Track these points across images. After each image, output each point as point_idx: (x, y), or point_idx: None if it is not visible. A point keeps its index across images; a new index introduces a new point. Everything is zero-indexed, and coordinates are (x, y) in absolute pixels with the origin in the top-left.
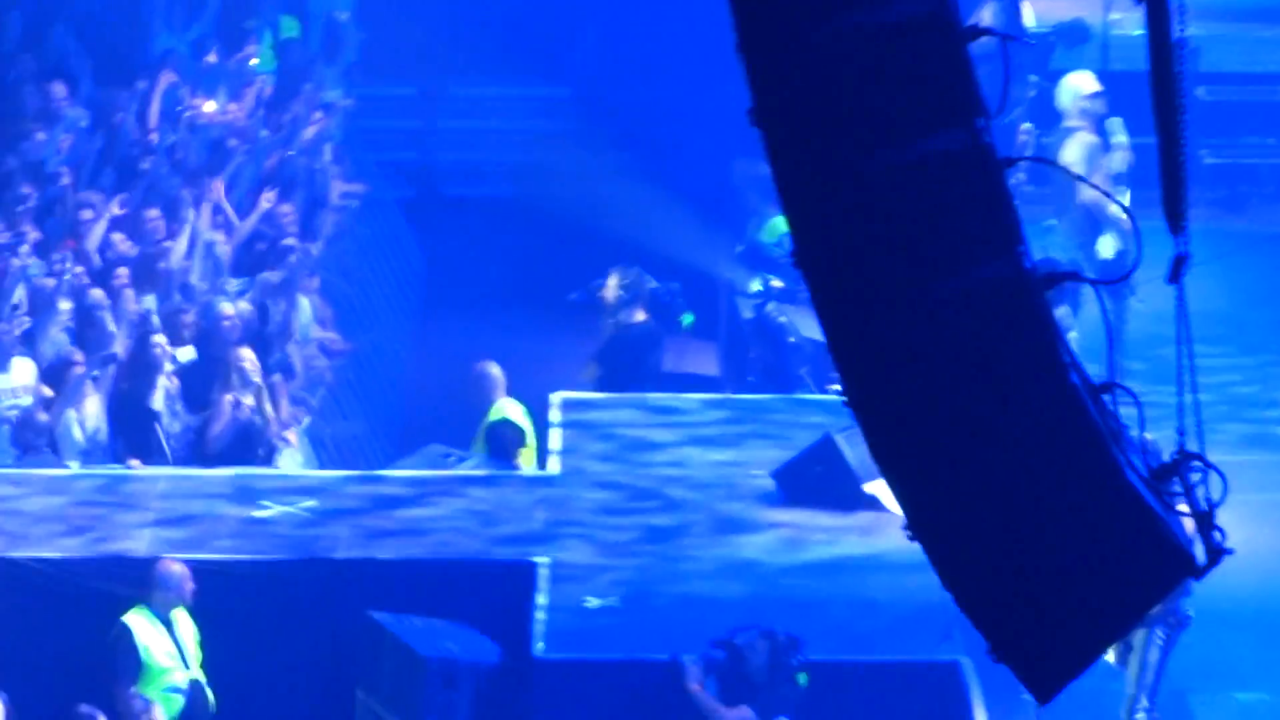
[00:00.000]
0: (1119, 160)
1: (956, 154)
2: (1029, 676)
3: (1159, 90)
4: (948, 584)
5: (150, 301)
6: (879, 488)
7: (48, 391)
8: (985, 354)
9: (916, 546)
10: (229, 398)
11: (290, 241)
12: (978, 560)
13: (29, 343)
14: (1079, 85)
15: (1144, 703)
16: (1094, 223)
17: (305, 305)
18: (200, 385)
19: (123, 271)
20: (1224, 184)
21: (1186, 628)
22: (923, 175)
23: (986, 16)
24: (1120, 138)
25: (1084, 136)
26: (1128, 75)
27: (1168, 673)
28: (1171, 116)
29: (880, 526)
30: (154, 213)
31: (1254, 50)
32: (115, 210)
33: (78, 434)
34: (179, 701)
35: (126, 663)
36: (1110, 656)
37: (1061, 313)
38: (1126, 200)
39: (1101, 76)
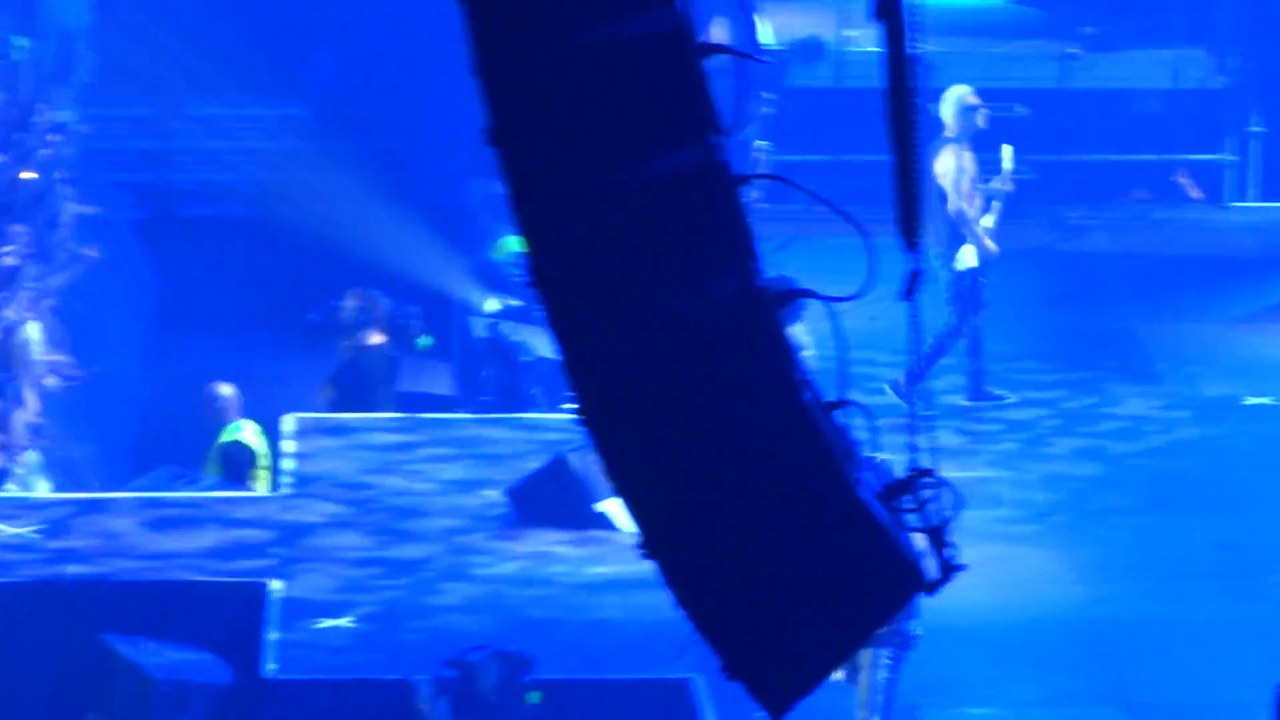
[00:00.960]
0: (999, 181)
1: (692, 171)
2: (761, 694)
3: (894, 107)
4: (680, 601)
5: None
6: (612, 506)
7: None
8: (718, 371)
9: (649, 564)
10: None
11: (18, 263)
12: (710, 578)
13: None
14: (958, 97)
15: None
16: (956, 234)
17: (37, 328)
18: None
19: None
20: None
21: (913, 648)
22: (658, 192)
23: (719, 33)
24: (1007, 164)
25: (956, 149)
26: (863, 92)
27: (898, 691)
28: (906, 133)
29: (613, 545)
30: None
31: (988, 66)
32: None
33: None
34: None
35: None
36: (840, 674)
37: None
38: (990, 221)
39: (836, 94)
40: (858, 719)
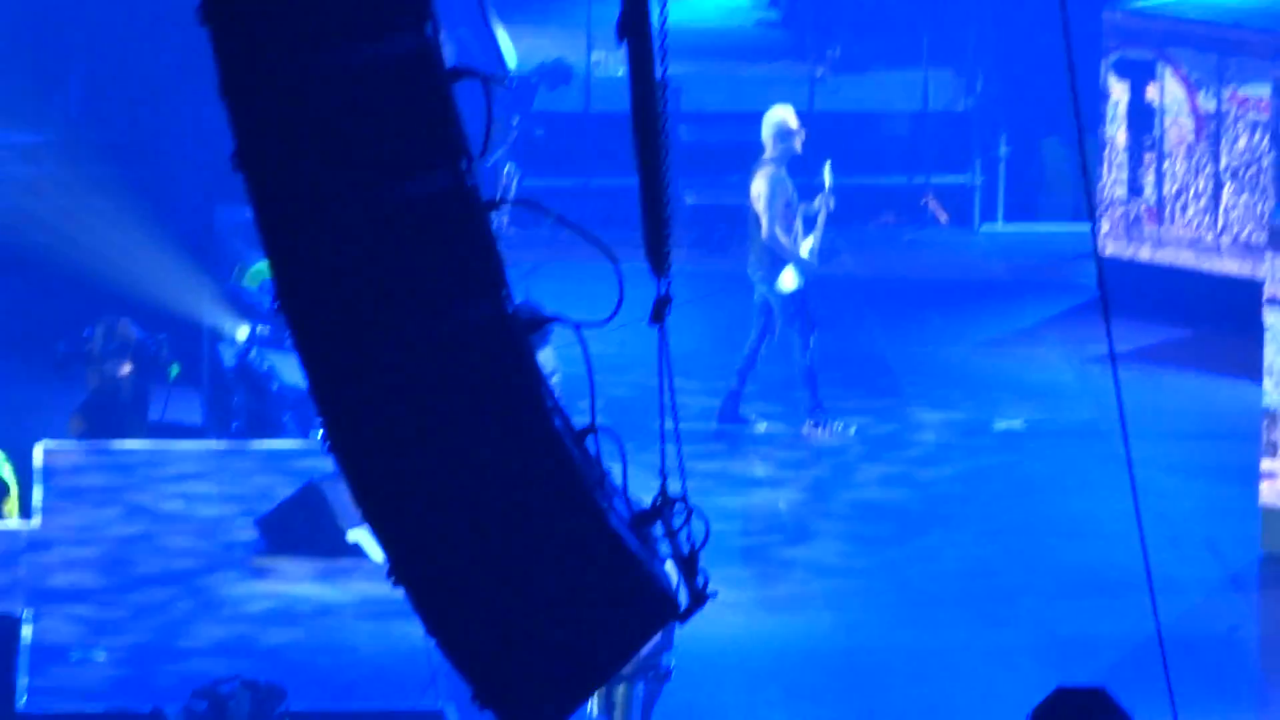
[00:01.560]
0: (820, 201)
1: (441, 196)
2: None
3: (641, 130)
4: (431, 630)
5: None
6: (362, 535)
7: None
8: (467, 398)
9: (400, 593)
10: None
11: None
12: (461, 606)
13: None
14: (777, 120)
15: None
16: (775, 257)
17: None
18: None
19: None
20: (706, 224)
21: (668, 681)
22: (406, 217)
23: (449, 54)
24: (828, 181)
25: (771, 171)
26: (610, 116)
27: None
28: (653, 157)
29: (364, 573)
30: None
31: (735, 89)
32: None
33: None
34: None
35: None
36: (594, 707)
37: (544, 355)
38: (806, 249)
39: (584, 118)
40: None
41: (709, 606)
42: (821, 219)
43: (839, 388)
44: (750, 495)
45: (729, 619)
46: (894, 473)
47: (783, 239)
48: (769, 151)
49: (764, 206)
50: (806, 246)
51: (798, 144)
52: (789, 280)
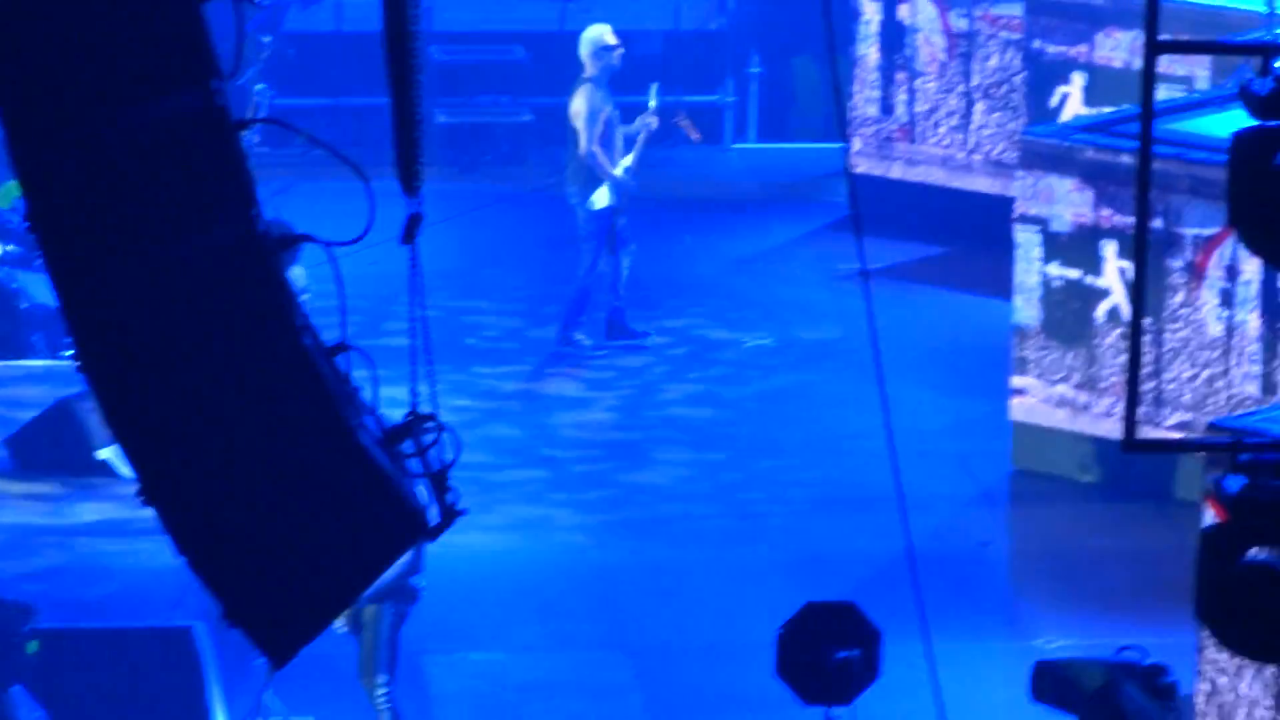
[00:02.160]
0: (640, 121)
1: (190, 115)
2: (263, 641)
3: (392, 51)
4: (181, 548)
5: None
6: (112, 453)
7: None
8: (217, 317)
9: (150, 511)
10: None
11: None
12: (210, 525)
13: None
14: (595, 38)
15: (382, 678)
16: (591, 175)
17: None
18: None
19: None
20: (458, 144)
21: (418, 602)
22: (157, 136)
23: None
24: (652, 101)
25: (589, 89)
26: (362, 36)
27: (401, 644)
28: (405, 77)
29: (114, 492)
30: None
31: (486, 9)
32: None
33: None
34: None
35: None
36: (343, 625)
37: (296, 273)
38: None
39: (335, 38)
40: (362, 672)
41: (460, 524)
42: (641, 139)
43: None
44: (548, 415)
45: (480, 537)
46: (634, 392)
47: (599, 156)
48: (588, 70)
49: (582, 124)
50: (623, 165)
51: (615, 59)
52: (600, 198)
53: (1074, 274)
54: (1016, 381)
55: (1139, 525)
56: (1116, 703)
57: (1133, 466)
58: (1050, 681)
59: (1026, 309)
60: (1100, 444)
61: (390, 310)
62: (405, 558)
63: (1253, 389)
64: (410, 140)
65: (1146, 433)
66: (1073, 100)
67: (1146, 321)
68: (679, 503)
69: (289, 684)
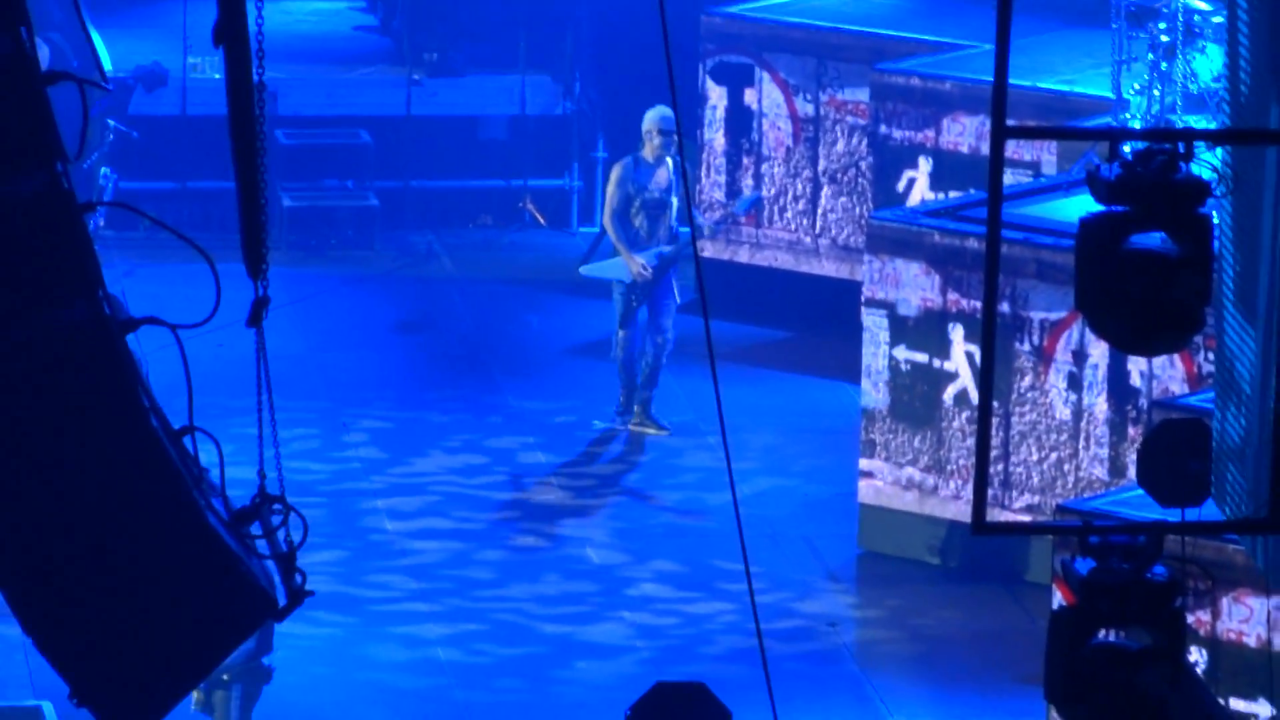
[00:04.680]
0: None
1: (34, 198)
2: None
3: (238, 134)
4: (27, 628)
5: None
6: None
7: None
8: (63, 399)
9: None
10: None
11: None
12: (56, 604)
13: None
14: (661, 115)
15: None
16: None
17: None
18: None
19: None
20: (304, 227)
21: (268, 682)
22: (2, 218)
23: (44, 56)
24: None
25: (625, 163)
26: (207, 119)
27: None
28: (250, 160)
29: None
30: None
31: (331, 93)
32: None
33: None
34: None
35: None
36: (195, 705)
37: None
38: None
39: (180, 121)
40: None
41: (307, 606)
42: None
43: (435, 389)
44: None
45: (328, 622)
46: (498, 479)
47: (610, 231)
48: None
49: (609, 193)
50: (629, 256)
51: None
52: (614, 269)
53: (921, 357)
54: (864, 464)
55: (988, 607)
56: None
57: (982, 549)
58: None
59: (874, 392)
60: (949, 526)
61: (238, 392)
62: (254, 636)
63: (1100, 471)
64: (255, 223)
65: (995, 515)
66: (919, 185)
67: (994, 405)
68: (526, 587)
69: None
